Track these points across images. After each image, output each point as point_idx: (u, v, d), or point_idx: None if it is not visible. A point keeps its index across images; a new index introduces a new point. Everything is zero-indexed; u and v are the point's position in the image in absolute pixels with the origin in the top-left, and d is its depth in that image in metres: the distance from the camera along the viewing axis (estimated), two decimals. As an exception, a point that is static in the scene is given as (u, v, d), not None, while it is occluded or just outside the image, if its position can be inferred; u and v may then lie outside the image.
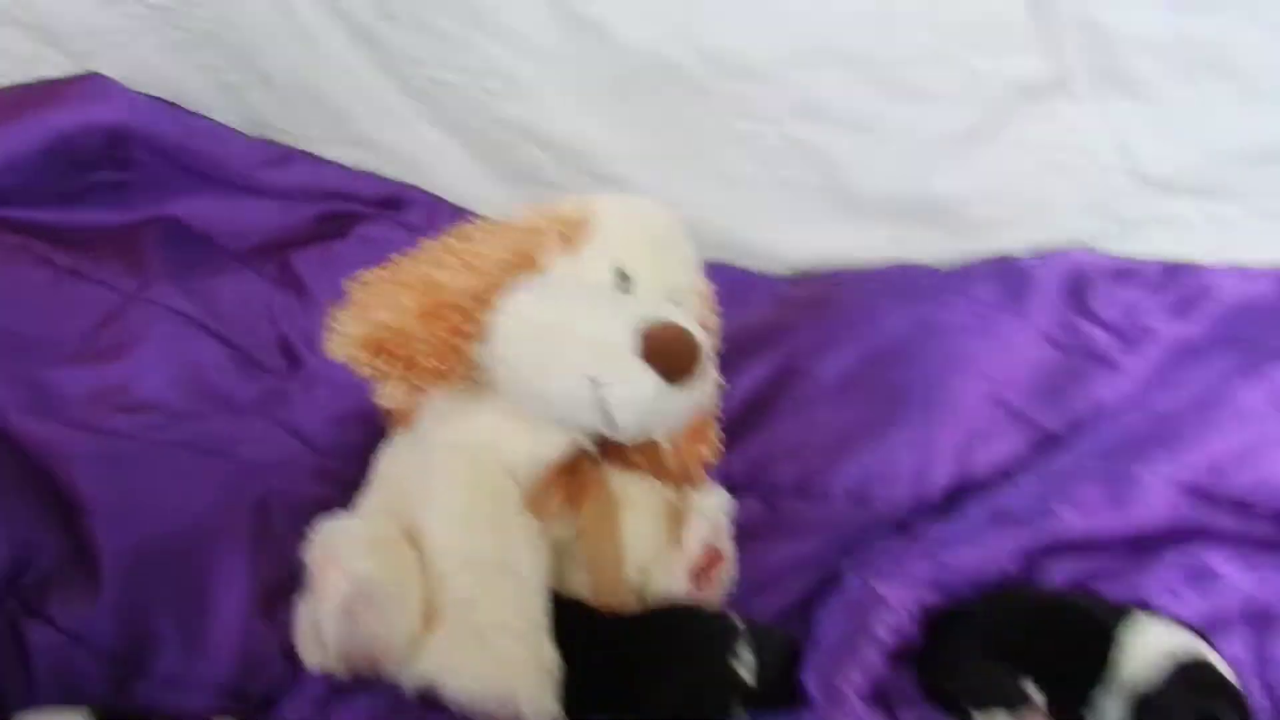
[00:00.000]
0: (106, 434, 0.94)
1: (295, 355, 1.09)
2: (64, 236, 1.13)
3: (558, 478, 0.84)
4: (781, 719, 0.76)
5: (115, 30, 1.15)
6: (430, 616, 0.78)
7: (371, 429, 0.97)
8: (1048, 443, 1.03)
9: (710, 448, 0.95)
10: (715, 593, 0.91)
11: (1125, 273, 1.12)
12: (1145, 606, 0.90)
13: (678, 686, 0.80)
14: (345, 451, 1.00)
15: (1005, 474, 1.01)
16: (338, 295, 0.96)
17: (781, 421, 1.07)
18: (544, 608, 0.80)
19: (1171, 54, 1.03)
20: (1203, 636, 0.87)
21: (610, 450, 0.86)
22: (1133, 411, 1.02)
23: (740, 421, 1.06)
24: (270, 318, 1.13)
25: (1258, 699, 0.83)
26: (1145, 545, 0.93)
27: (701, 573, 0.88)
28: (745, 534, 0.98)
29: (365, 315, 0.82)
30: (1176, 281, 1.10)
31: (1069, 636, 0.84)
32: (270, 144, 1.22)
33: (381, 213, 1.24)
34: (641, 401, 0.79)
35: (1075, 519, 0.92)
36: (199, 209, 1.18)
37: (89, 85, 1.14)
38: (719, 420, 0.99)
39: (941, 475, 1.02)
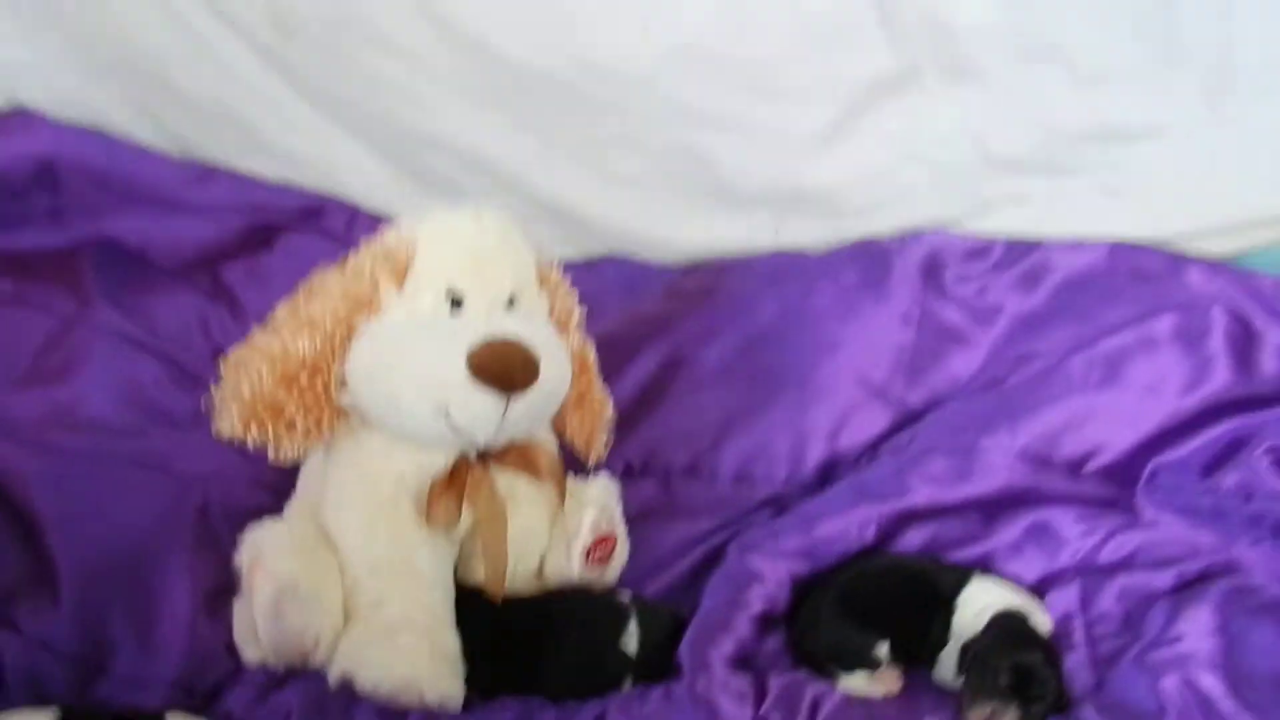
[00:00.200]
0: (57, 452, 1.03)
1: (228, 367, 1.19)
2: (4, 262, 1.21)
3: (448, 484, 0.93)
4: (659, 687, 0.88)
5: (37, 62, 1.21)
6: (348, 615, 0.89)
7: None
8: (910, 418, 1.14)
9: (596, 418, 1.04)
10: (610, 573, 1.02)
11: (975, 253, 1.21)
12: (990, 566, 1.03)
13: (571, 664, 0.91)
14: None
15: (872, 449, 1.13)
16: (267, 307, 1.07)
17: (672, 408, 1.18)
18: (446, 602, 0.91)
19: (1007, 43, 1.11)
20: (1036, 592, 1.01)
21: (490, 455, 0.95)
22: (981, 385, 1.14)
23: (636, 409, 1.17)
24: (204, 331, 1.22)
25: (1081, 644, 0.95)
26: (990, 510, 1.04)
27: (594, 555, 0.99)
28: (643, 515, 1.10)
29: (235, 393, 0.92)
30: (1020, 258, 1.20)
31: (915, 600, 0.95)
32: (193, 163, 1.29)
33: (303, 223, 1.31)
34: (487, 417, 0.89)
35: (926, 491, 1.03)
36: (131, 228, 1.26)
37: (15, 120, 1.21)
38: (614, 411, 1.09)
39: (814, 454, 1.13)
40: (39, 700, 0.84)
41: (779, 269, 1.24)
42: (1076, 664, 0.93)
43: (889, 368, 1.16)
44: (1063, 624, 0.97)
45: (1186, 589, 0.97)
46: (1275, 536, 1.01)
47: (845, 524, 1.02)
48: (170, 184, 1.27)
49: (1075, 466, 1.07)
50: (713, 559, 1.05)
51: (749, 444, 1.14)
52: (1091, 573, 1.00)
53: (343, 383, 0.93)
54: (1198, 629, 0.90)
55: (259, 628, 0.89)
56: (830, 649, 0.94)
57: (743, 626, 0.93)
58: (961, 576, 0.96)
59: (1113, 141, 1.17)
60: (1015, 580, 1.00)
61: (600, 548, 1.00)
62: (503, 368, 0.88)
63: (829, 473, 1.13)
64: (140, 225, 1.26)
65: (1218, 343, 1.08)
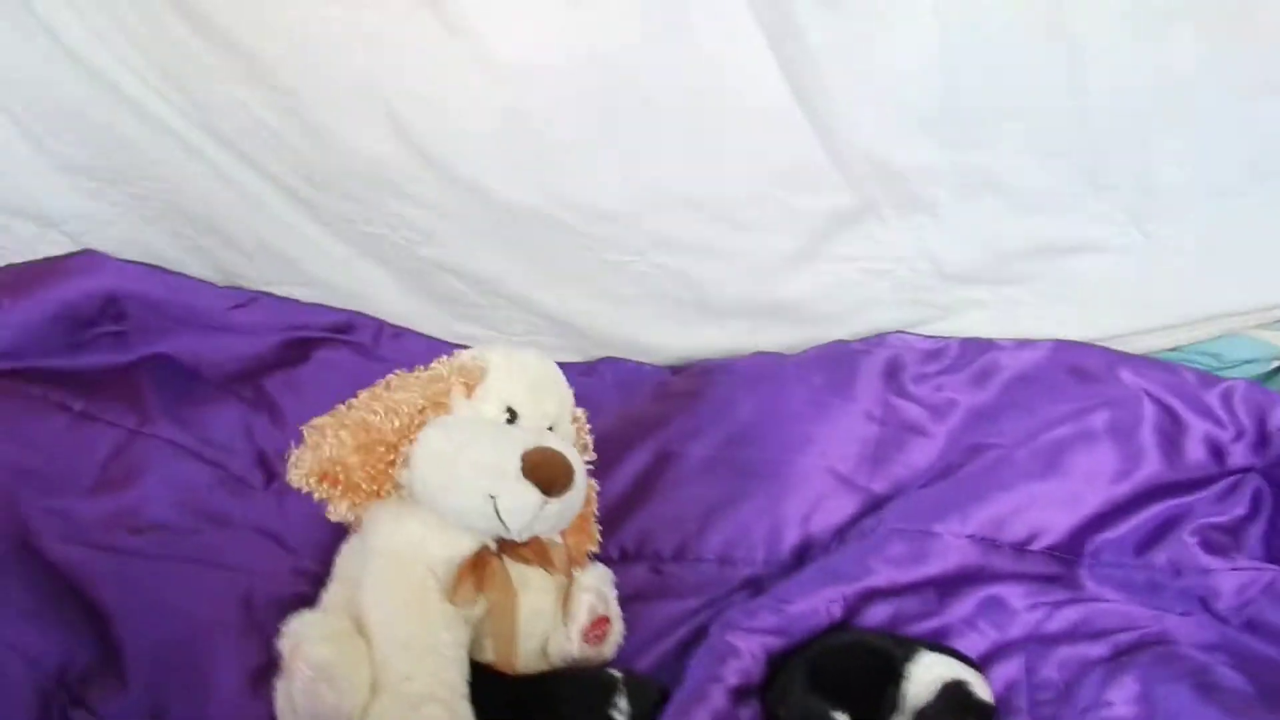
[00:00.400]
0: (122, 553, 1.18)
1: (271, 469, 1.34)
2: (73, 380, 1.36)
3: (468, 570, 1.07)
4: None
5: (102, 213, 1.38)
6: (376, 688, 1.03)
7: (335, 528, 1.22)
8: (875, 504, 1.27)
9: (590, 538, 1.19)
10: (607, 649, 1.15)
11: (932, 354, 1.35)
12: (946, 639, 1.15)
13: (564, 723, 1.05)
14: (315, 549, 1.24)
15: (841, 532, 1.26)
16: (305, 414, 1.23)
17: (661, 498, 1.31)
18: (462, 677, 1.04)
19: (950, 179, 1.24)
20: (986, 660, 1.13)
21: (508, 547, 1.10)
22: (939, 473, 1.27)
23: (629, 499, 1.31)
24: (249, 437, 1.36)
25: (1024, 709, 1.07)
26: (946, 587, 1.17)
27: (591, 635, 1.13)
28: (636, 596, 1.23)
29: (315, 452, 1.08)
30: (972, 358, 1.33)
31: (873, 673, 1.08)
32: (237, 290, 1.44)
33: (335, 336, 1.46)
34: (527, 510, 1.04)
35: (886, 572, 1.16)
36: (184, 346, 1.40)
37: (85, 260, 1.37)
38: (600, 509, 1.23)
39: (789, 538, 1.26)
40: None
41: (756, 372, 1.38)
42: (1017, 728, 1.05)
43: (855, 459, 1.29)
44: (1009, 691, 1.09)
45: (1120, 657, 1.09)
46: (1202, 609, 1.14)
47: (815, 603, 1.14)
48: (218, 309, 1.42)
49: (1021, 546, 1.19)
50: (699, 634, 1.17)
51: (730, 530, 1.27)
52: (1036, 643, 1.13)
53: (405, 463, 1.09)
54: (1124, 695, 1.03)
55: (298, 706, 1.02)
56: (798, 716, 1.06)
57: (718, 698, 1.05)
58: (914, 650, 1.08)
59: (1052, 256, 1.29)
60: (968, 651, 1.12)
61: (596, 628, 1.13)
62: (549, 470, 1.04)
63: (803, 554, 1.26)
64: (192, 344, 1.40)
65: (1148, 434, 1.21)
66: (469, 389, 1.11)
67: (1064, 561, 1.19)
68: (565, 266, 1.38)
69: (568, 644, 1.13)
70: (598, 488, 1.21)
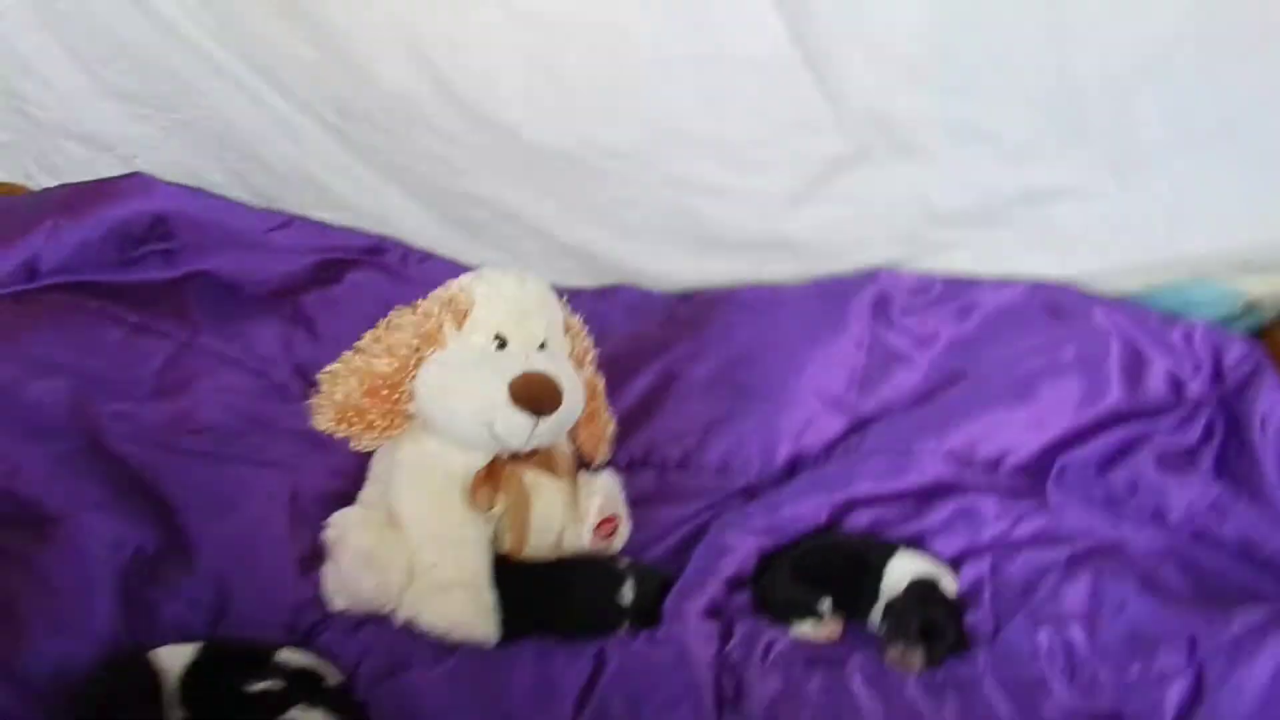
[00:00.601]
0: (182, 452, 1.31)
1: (310, 381, 1.47)
2: (127, 295, 1.49)
3: (483, 479, 1.22)
4: (646, 633, 1.16)
5: (150, 137, 1.51)
6: (409, 574, 1.18)
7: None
8: (862, 423, 1.41)
9: (602, 431, 1.33)
10: (616, 544, 1.30)
11: (919, 289, 1.47)
12: (922, 542, 1.29)
13: (578, 613, 1.19)
14: (349, 450, 1.38)
15: (829, 448, 1.40)
16: (338, 330, 1.37)
17: (667, 413, 1.45)
18: (485, 566, 1.20)
19: (942, 127, 1.35)
20: (957, 562, 1.28)
21: (517, 457, 1.25)
22: (919, 398, 1.40)
23: (637, 414, 1.45)
24: (288, 350, 1.50)
25: (987, 603, 1.21)
26: (923, 498, 1.31)
27: (600, 533, 1.28)
28: (643, 500, 1.37)
29: (330, 398, 1.23)
30: (956, 294, 1.45)
31: (853, 568, 1.22)
32: (274, 213, 1.57)
33: (365, 258, 1.60)
34: (521, 431, 1.19)
35: (869, 484, 1.30)
36: (226, 264, 1.54)
37: (135, 181, 1.50)
38: (619, 416, 1.39)
39: (782, 452, 1.40)
40: (184, 639, 1.13)
41: (755, 302, 1.51)
42: (981, 618, 1.19)
43: (844, 383, 1.42)
44: (974, 587, 1.23)
45: (1076, 561, 1.23)
46: (1153, 522, 1.28)
47: (803, 508, 1.29)
48: (256, 230, 1.56)
49: (993, 464, 1.33)
50: (698, 534, 1.31)
51: (729, 443, 1.41)
52: (1002, 547, 1.26)
53: (411, 396, 1.22)
54: (1075, 592, 1.16)
55: (344, 587, 1.18)
56: (785, 603, 1.21)
57: (715, 588, 1.20)
58: (889, 550, 1.22)
59: (1034, 202, 1.41)
60: (940, 553, 1.26)
61: (605, 526, 1.28)
62: (535, 395, 1.18)
63: (794, 467, 1.40)
64: (233, 263, 1.54)
65: (1113, 367, 1.34)
66: (458, 322, 1.24)
67: (1031, 478, 1.32)
68: (582, 200, 1.50)
69: (579, 540, 1.28)
70: (602, 383, 1.34)
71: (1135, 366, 1.35)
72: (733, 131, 1.39)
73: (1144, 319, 1.38)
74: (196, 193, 1.54)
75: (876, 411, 1.41)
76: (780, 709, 1.09)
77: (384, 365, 1.22)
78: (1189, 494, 1.27)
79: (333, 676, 1.11)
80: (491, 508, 1.23)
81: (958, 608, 1.19)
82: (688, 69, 1.33)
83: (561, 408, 1.19)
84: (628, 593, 1.21)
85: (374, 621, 1.17)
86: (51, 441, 1.26)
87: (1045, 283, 1.44)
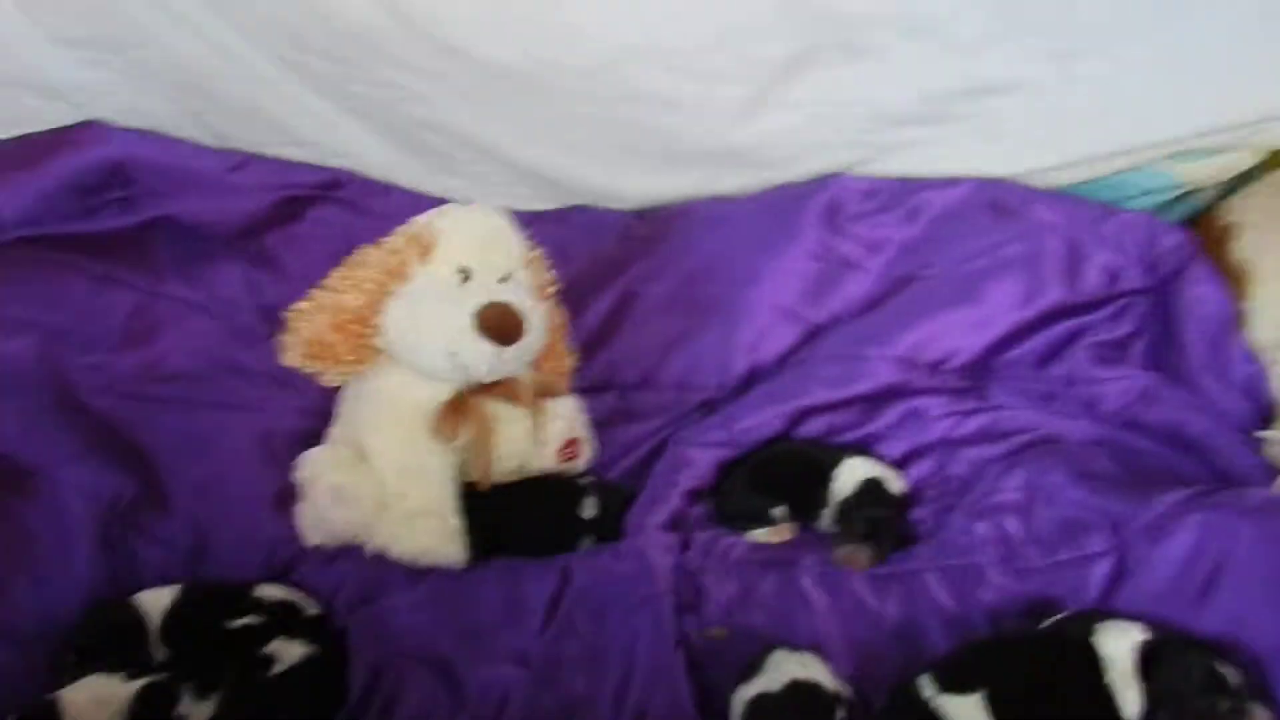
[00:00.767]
0: (153, 400, 1.38)
1: (276, 322, 1.52)
2: (90, 245, 1.52)
3: (448, 411, 1.28)
4: (609, 546, 1.24)
5: (102, 83, 1.52)
6: (380, 506, 1.25)
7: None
8: (815, 333, 1.46)
9: (562, 363, 1.40)
10: (578, 467, 1.38)
11: (868, 194, 1.51)
12: (872, 445, 1.37)
13: (543, 528, 1.28)
14: (317, 390, 1.40)
15: (784, 359, 1.46)
16: (303, 269, 1.42)
17: (626, 334, 1.51)
18: (451, 494, 1.27)
19: (891, 24, 1.38)
20: (905, 462, 1.35)
21: (481, 388, 1.30)
22: (871, 304, 1.46)
23: (597, 337, 1.51)
24: (252, 292, 1.54)
25: (932, 500, 1.29)
26: (873, 403, 1.38)
27: (563, 455, 1.35)
28: (605, 421, 1.44)
29: (298, 335, 1.28)
30: (904, 197, 1.49)
31: (805, 474, 1.29)
32: (231, 152, 1.59)
33: (325, 194, 1.62)
34: (485, 360, 1.24)
35: (822, 391, 1.37)
36: (187, 208, 1.55)
37: (89, 130, 1.52)
38: (572, 343, 1.44)
39: (739, 365, 1.46)
40: (165, 582, 1.21)
41: (709, 217, 1.55)
42: (926, 514, 1.27)
43: (797, 294, 1.47)
44: (921, 485, 1.31)
45: (1015, 456, 1.30)
46: (1088, 413, 1.35)
47: (759, 419, 1.36)
48: (215, 171, 1.57)
49: (938, 366, 1.39)
50: (658, 450, 1.39)
51: (687, 360, 1.47)
52: (947, 445, 1.34)
53: (379, 331, 1.28)
54: (1013, 483, 1.24)
55: (318, 523, 1.25)
56: (741, 510, 1.29)
57: (675, 500, 1.28)
58: (839, 455, 1.29)
59: (980, 96, 1.44)
60: (889, 454, 1.34)
61: (568, 449, 1.35)
62: (499, 325, 1.24)
63: (751, 379, 1.46)
64: (194, 206, 1.56)
65: (1052, 263, 1.39)
66: (423, 256, 1.29)
67: (975, 377, 1.39)
68: (539, 121, 1.53)
69: (544, 464, 1.35)
70: (565, 316, 1.40)
71: (1074, 261, 1.40)
72: (682, 40, 1.41)
73: (1083, 212, 1.43)
74: (152, 137, 1.56)
75: (829, 320, 1.47)
76: (736, 610, 1.18)
77: (352, 301, 1.27)
78: (1121, 384, 1.34)
79: (311, 608, 1.20)
80: (456, 438, 1.29)
81: (903, 507, 1.26)
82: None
83: (525, 338, 1.24)
84: (589, 507, 1.28)
85: (348, 553, 1.25)
86: (23, 397, 1.32)
87: (990, 180, 1.48)
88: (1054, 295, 1.38)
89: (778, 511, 1.28)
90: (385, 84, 1.52)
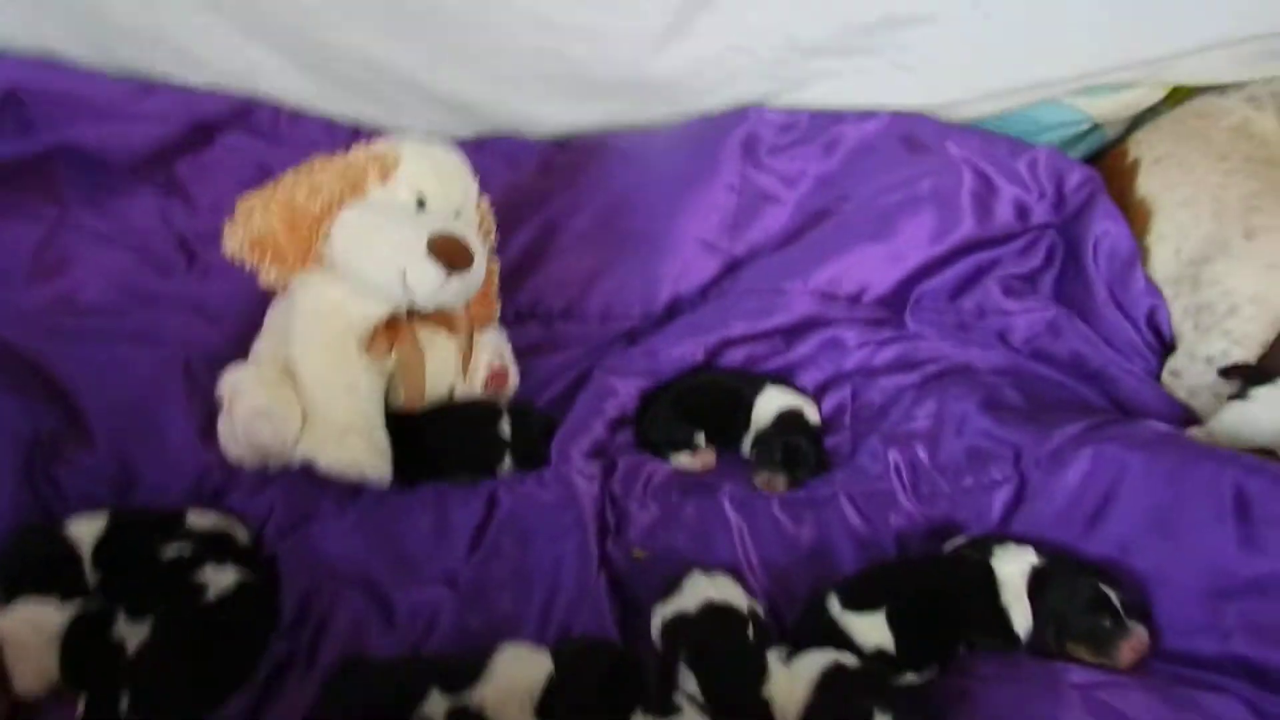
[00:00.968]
0: (68, 335, 1.39)
1: (191, 251, 1.53)
2: None
3: (382, 331, 1.32)
4: (534, 473, 1.30)
5: (-8, 11, 1.50)
6: (306, 420, 1.28)
7: (256, 300, 1.42)
8: (735, 265, 1.53)
9: (491, 307, 1.45)
10: (504, 395, 1.44)
11: (785, 127, 1.57)
12: (791, 374, 1.44)
13: (463, 446, 1.34)
14: (239, 320, 1.44)
15: (705, 291, 1.53)
16: (215, 198, 1.43)
17: (550, 264, 1.56)
18: (379, 412, 1.32)
19: None
20: (822, 390, 1.43)
21: (416, 314, 1.34)
22: (788, 237, 1.52)
23: (521, 266, 1.56)
24: (166, 222, 1.55)
25: (847, 427, 1.38)
26: (791, 334, 1.46)
27: (490, 384, 1.41)
28: (530, 350, 1.50)
29: (246, 225, 1.30)
30: (821, 130, 1.56)
31: (725, 403, 1.37)
32: (134, 80, 1.57)
33: (235, 121, 1.62)
34: (431, 283, 1.28)
35: (741, 324, 1.44)
36: (89, 135, 1.54)
37: None
38: (502, 269, 1.49)
39: (662, 296, 1.52)
40: (92, 509, 1.24)
41: (630, 150, 1.60)
42: (841, 441, 1.36)
43: (717, 227, 1.53)
44: (836, 413, 1.40)
45: (927, 385, 1.39)
46: (998, 343, 1.44)
47: (680, 350, 1.43)
48: (118, 98, 1.55)
49: (855, 298, 1.47)
50: (583, 379, 1.45)
51: (610, 290, 1.53)
52: (863, 374, 1.43)
53: (326, 236, 1.30)
54: (924, 412, 1.33)
55: (240, 439, 1.28)
56: (663, 437, 1.36)
57: (599, 428, 1.35)
58: (759, 384, 1.38)
59: (895, 28, 1.51)
60: (807, 382, 1.43)
61: (495, 379, 1.41)
62: (452, 251, 1.27)
63: (673, 310, 1.53)
64: (97, 133, 1.55)
65: (965, 199, 1.48)
66: (383, 175, 1.32)
67: (890, 308, 1.47)
68: (451, 48, 1.56)
69: (471, 392, 1.40)
70: (497, 265, 1.45)
71: (985, 196, 1.48)
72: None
73: (994, 148, 1.51)
74: (49, 65, 1.54)
75: (748, 252, 1.53)
76: (658, 532, 1.25)
77: (307, 202, 1.29)
78: (1029, 316, 1.44)
79: (241, 534, 1.24)
80: (388, 358, 1.33)
81: (819, 435, 1.35)
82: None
83: (470, 270, 1.29)
84: (505, 427, 1.35)
85: (277, 480, 1.29)
86: (-65, 336, 1.33)
87: (904, 113, 1.55)
88: (965, 230, 1.46)
89: (699, 438, 1.35)
90: (292, 7, 1.53)
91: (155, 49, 1.57)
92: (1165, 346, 1.39)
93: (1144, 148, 1.49)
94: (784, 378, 1.42)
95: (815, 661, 1.01)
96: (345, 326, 1.31)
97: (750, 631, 1.07)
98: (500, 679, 1.04)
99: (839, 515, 1.24)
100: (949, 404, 1.32)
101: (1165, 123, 1.51)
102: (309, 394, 1.29)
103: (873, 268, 1.46)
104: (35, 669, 1.08)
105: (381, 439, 1.31)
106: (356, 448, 1.28)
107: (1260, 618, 1.01)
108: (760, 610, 1.12)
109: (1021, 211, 1.48)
